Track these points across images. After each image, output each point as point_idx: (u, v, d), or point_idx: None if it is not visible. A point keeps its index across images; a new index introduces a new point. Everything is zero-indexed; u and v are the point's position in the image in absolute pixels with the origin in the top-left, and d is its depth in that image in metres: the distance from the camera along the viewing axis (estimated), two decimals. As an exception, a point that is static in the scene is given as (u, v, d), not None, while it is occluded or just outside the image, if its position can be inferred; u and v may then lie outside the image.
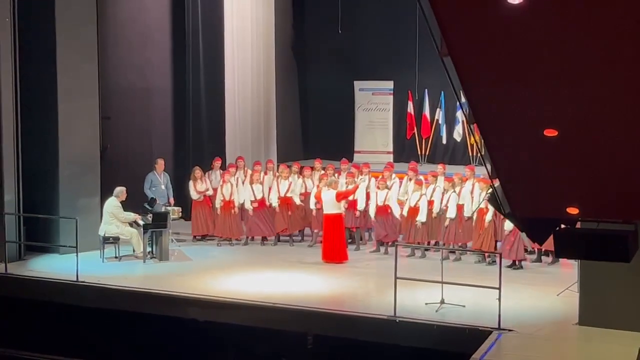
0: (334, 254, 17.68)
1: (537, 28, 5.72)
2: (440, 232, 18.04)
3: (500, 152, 7.14)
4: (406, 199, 18.38)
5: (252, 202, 19.25)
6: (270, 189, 19.51)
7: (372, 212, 18.68)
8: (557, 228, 8.61)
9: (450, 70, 6.21)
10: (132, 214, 18.10)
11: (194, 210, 19.80)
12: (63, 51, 18.09)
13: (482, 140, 7.20)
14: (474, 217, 17.56)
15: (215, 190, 19.71)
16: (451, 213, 17.76)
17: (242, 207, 19.45)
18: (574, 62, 6.05)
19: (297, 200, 19.42)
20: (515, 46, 5.90)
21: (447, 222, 17.82)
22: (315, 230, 19.34)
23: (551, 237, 9.01)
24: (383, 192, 18.67)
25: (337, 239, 17.82)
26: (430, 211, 18.05)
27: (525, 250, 17.12)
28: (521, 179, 7.54)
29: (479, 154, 16.21)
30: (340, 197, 17.97)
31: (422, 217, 17.98)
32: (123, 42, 21.03)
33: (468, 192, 17.85)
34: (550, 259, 17.29)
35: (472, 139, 19.78)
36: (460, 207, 17.78)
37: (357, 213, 18.87)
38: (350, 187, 18.71)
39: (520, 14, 5.59)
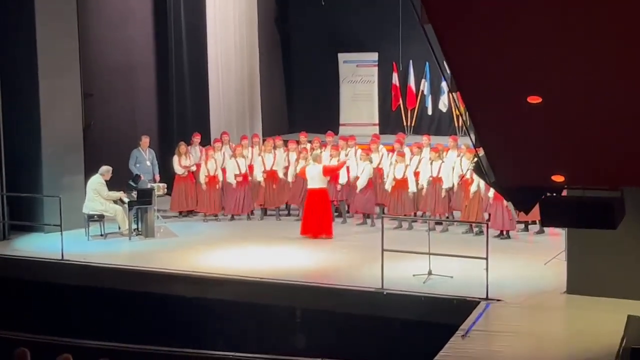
0: (320, 229, 17.53)
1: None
2: (426, 203, 17.98)
3: (483, 121, 7.06)
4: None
5: (235, 176, 19.14)
6: (256, 163, 19.42)
7: (361, 182, 18.51)
8: (543, 196, 8.55)
9: (431, 38, 6.12)
10: (116, 192, 17.97)
11: (176, 185, 19.68)
12: (43, 29, 17.89)
13: (466, 109, 7.11)
14: (460, 188, 17.53)
15: (198, 165, 19.60)
16: (447, 183, 17.68)
17: (225, 182, 19.35)
18: (557, 28, 5.96)
19: (281, 174, 19.32)
20: (497, 12, 5.81)
21: (443, 193, 17.74)
22: (297, 206, 19.27)
23: (537, 206, 8.98)
24: (366, 164, 18.54)
25: (323, 214, 17.68)
26: (416, 182, 17.99)
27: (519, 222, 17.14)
28: (505, 148, 7.47)
29: (464, 125, 16.14)
30: (327, 172, 17.82)
31: (412, 187, 17.91)
32: (105, 20, 20.83)
33: (451, 163, 17.80)
34: (537, 227, 17.26)
35: (457, 110, 19.72)
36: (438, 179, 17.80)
37: (339, 186, 18.76)
38: (336, 161, 18.60)
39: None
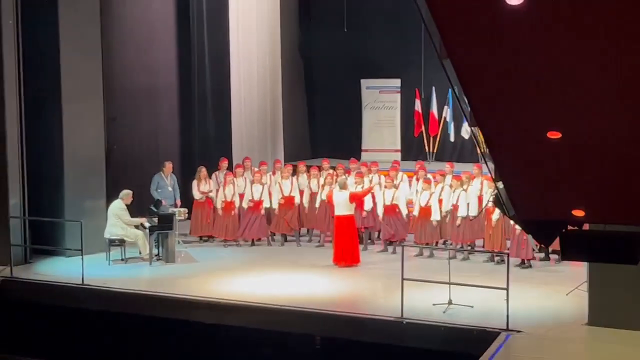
0: (347, 257, 17.44)
1: (537, 29, 5.59)
2: (449, 231, 17.91)
3: (502, 155, 6.99)
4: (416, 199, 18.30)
5: (249, 201, 19.13)
6: (273, 189, 19.42)
7: (380, 211, 18.53)
8: (564, 230, 8.46)
9: (450, 73, 6.07)
10: (137, 218, 17.99)
11: (194, 210, 19.68)
12: (67, 52, 18.02)
13: (485, 142, 7.06)
14: (483, 217, 17.45)
15: (218, 190, 19.61)
16: (462, 212, 17.63)
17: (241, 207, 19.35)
18: (577, 63, 5.91)
19: (298, 199, 19.27)
20: (515, 48, 5.77)
21: (458, 221, 17.69)
22: (322, 232, 19.23)
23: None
24: (390, 191, 18.52)
25: (350, 241, 17.60)
26: (440, 210, 17.93)
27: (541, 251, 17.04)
28: (524, 182, 7.39)
29: (483, 157, 16.11)
30: (354, 198, 17.77)
31: (436, 215, 17.85)
32: (128, 43, 20.94)
33: (476, 191, 17.74)
34: (558, 257, 17.15)
35: (477, 143, 19.64)
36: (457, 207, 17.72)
37: (364, 213, 18.71)
38: (361, 187, 18.57)
39: (520, 15, 5.46)
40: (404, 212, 18.40)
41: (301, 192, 19.39)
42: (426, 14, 5.63)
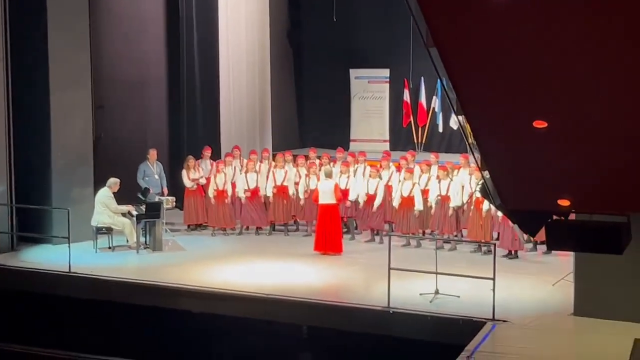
0: (330, 245, 17.52)
1: (523, 20, 5.61)
2: (434, 222, 17.93)
3: (489, 144, 7.04)
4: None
5: (245, 191, 19.15)
6: (267, 178, 19.41)
7: (361, 199, 18.53)
8: (549, 220, 8.51)
9: (437, 62, 6.10)
10: (124, 206, 17.99)
11: (186, 198, 19.70)
12: (55, 42, 17.97)
13: (471, 132, 7.10)
14: (468, 206, 17.48)
15: (208, 179, 19.61)
16: (454, 202, 17.64)
17: (235, 196, 19.36)
18: (563, 53, 5.94)
19: (291, 190, 19.29)
20: (502, 38, 5.79)
21: (450, 212, 17.70)
22: (308, 222, 19.25)
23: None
24: (375, 180, 18.53)
25: (333, 229, 17.65)
26: (425, 200, 17.94)
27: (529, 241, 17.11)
28: (511, 171, 7.44)
29: (470, 147, 16.15)
30: (337, 192, 17.75)
31: (419, 205, 17.87)
32: (117, 33, 20.90)
33: (462, 181, 17.76)
34: (545, 247, 17.20)
35: (464, 132, 19.68)
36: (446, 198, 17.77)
37: (348, 203, 18.73)
38: (346, 177, 18.61)
39: (506, 5, 5.48)
40: (395, 203, 18.38)
41: (297, 183, 19.34)
42: (413, 2, 5.66)
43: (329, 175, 17.91)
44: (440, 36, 5.84)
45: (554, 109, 6.40)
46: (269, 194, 19.23)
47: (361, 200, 18.53)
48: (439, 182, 17.90)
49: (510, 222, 16.04)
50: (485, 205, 16.92)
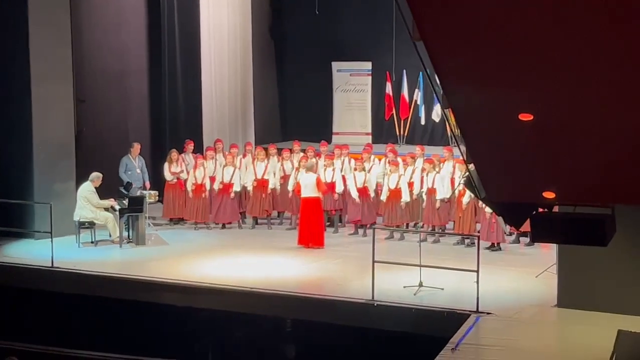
0: (312, 238, 17.50)
1: (510, 12, 5.61)
2: (427, 215, 17.90)
3: (474, 137, 7.04)
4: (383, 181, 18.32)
5: (219, 183, 19.10)
6: (247, 170, 19.37)
7: (354, 193, 18.51)
8: (534, 212, 8.53)
9: (423, 55, 6.09)
10: (106, 200, 17.92)
11: (166, 192, 19.63)
12: (35, 35, 17.86)
13: (457, 124, 7.09)
14: (454, 199, 17.49)
15: (189, 173, 19.55)
16: (440, 194, 17.63)
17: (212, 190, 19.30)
18: (549, 46, 5.94)
19: (272, 184, 19.23)
20: (489, 30, 5.79)
21: (438, 204, 17.69)
22: (293, 215, 19.22)
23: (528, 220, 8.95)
24: (361, 173, 18.54)
25: (315, 223, 17.63)
26: (410, 193, 17.95)
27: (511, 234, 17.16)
28: (496, 164, 7.44)
29: (455, 139, 16.21)
30: (320, 186, 17.72)
31: (406, 197, 17.87)
32: (98, 26, 20.78)
33: (447, 174, 17.77)
34: (528, 239, 17.24)
35: (449, 125, 19.77)
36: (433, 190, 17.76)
37: (336, 196, 18.73)
38: (331, 170, 18.61)
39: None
40: (373, 195, 18.44)
41: (286, 176, 19.25)
42: (399, -5, 5.65)
43: (310, 168, 17.87)
44: (426, 29, 5.83)
45: (540, 102, 6.40)
46: (249, 187, 19.18)
47: (355, 196, 18.49)
48: (426, 175, 17.89)
49: (489, 215, 16.16)
50: (466, 198, 16.96)
